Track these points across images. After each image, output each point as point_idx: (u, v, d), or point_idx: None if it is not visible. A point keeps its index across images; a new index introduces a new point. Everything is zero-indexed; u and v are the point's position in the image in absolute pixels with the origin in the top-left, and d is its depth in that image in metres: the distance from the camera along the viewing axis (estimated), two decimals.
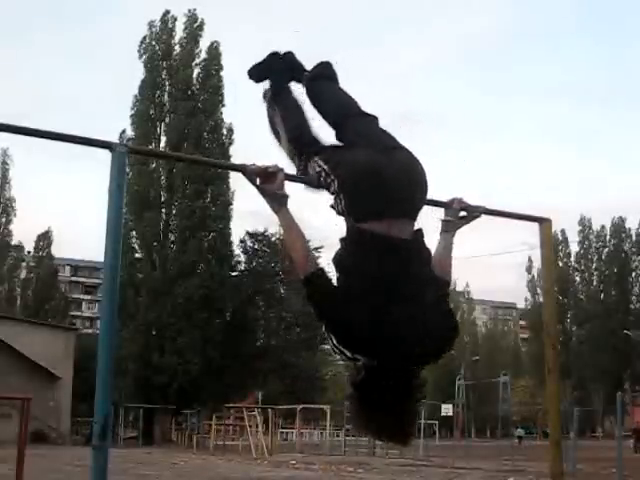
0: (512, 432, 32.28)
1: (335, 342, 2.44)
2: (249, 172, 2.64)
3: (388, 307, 2.40)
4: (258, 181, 2.62)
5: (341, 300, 2.43)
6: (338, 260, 2.54)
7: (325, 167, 2.70)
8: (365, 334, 2.38)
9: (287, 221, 2.59)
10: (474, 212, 3.02)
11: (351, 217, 2.57)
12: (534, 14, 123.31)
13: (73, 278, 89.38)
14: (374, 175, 2.54)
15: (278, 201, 2.59)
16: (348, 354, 2.43)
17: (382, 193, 2.52)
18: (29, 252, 61.04)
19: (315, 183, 2.78)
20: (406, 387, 2.43)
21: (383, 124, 2.85)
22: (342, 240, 2.59)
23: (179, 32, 40.50)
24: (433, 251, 2.71)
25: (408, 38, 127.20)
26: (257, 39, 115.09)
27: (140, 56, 39.88)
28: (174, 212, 38.65)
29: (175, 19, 40.59)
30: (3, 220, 55.11)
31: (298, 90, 3.07)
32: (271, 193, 2.59)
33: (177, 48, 40.23)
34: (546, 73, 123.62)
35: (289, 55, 3.14)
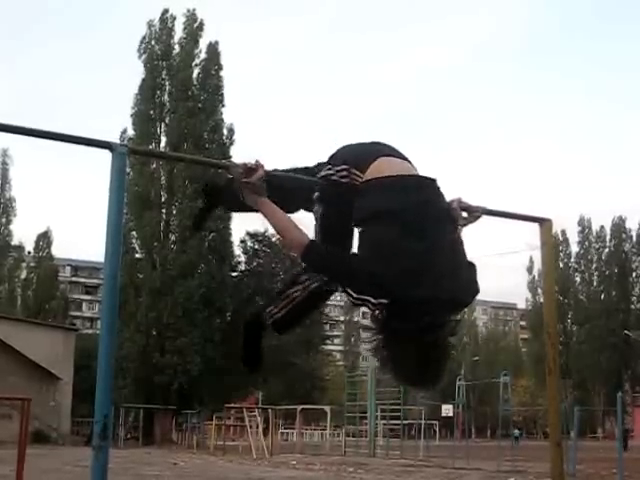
0: (512, 433, 32.25)
1: (355, 295, 2.40)
2: (232, 169, 2.70)
3: (413, 244, 2.39)
4: (241, 178, 2.66)
5: (354, 254, 2.45)
6: (357, 213, 2.54)
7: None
8: (386, 277, 2.34)
9: (271, 209, 2.61)
10: (474, 212, 3.02)
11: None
12: (537, 15, 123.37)
13: (73, 278, 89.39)
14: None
15: (257, 192, 2.62)
16: (373, 301, 2.37)
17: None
18: (29, 252, 61.11)
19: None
20: (434, 323, 2.36)
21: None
22: (359, 196, 2.58)
23: (179, 32, 40.56)
24: None
25: (408, 38, 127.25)
26: (256, 39, 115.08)
27: (140, 56, 39.92)
28: (174, 212, 38.63)
29: (174, 18, 40.61)
30: (3, 220, 55.16)
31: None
32: (250, 186, 2.62)
33: (177, 48, 40.23)
34: (547, 73, 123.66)
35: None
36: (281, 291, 3.13)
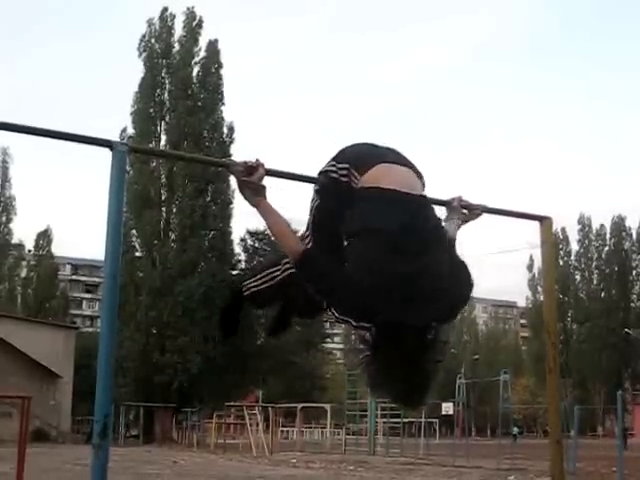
0: (511, 430, 32.32)
1: (338, 314, 2.44)
2: (232, 167, 2.70)
3: (399, 266, 2.36)
4: (242, 176, 2.66)
5: (341, 272, 2.41)
6: (348, 225, 2.53)
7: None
8: (368, 302, 2.34)
9: (269, 210, 2.62)
10: (475, 210, 3.02)
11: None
12: (537, 15, 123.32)
13: (73, 277, 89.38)
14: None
15: (257, 192, 2.62)
16: (353, 323, 2.41)
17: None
18: (29, 251, 61.03)
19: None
20: (419, 346, 2.36)
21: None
22: (350, 209, 2.56)
23: (178, 30, 40.53)
24: None
25: (408, 38, 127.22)
26: (256, 38, 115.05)
27: (140, 54, 39.88)
28: (174, 210, 38.63)
29: (174, 17, 40.57)
30: (3, 219, 55.08)
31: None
32: (251, 185, 2.62)
33: (176, 46, 40.20)
34: (547, 73, 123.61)
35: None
36: (262, 268, 3.18)
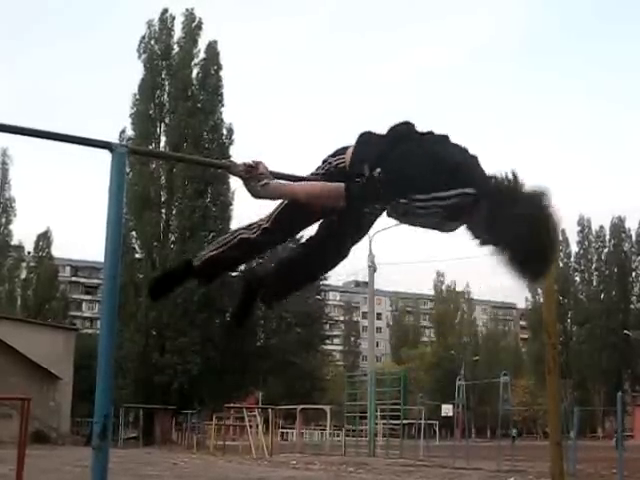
0: (511, 433, 32.33)
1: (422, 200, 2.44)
2: (233, 168, 2.71)
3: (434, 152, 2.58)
4: (245, 176, 2.67)
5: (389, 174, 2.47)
6: (378, 159, 2.56)
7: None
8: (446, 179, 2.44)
9: (286, 185, 2.66)
10: None
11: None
12: (536, 15, 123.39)
13: (73, 278, 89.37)
14: None
15: (268, 177, 2.63)
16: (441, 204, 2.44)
17: None
18: (29, 252, 61.06)
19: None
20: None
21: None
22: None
23: (178, 31, 40.56)
24: None
25: (408, 38, 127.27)
26: (256, 38, 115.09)
27: (139, 56, 39.92)
28: (174, 212, 38.66)
29: (174, 18, 40.63)
30: (3, 220, 55.16)
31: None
32: (259, 175, 2.62)
33: (176, 47, 40.23)
34: (546, 74, 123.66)
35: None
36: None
